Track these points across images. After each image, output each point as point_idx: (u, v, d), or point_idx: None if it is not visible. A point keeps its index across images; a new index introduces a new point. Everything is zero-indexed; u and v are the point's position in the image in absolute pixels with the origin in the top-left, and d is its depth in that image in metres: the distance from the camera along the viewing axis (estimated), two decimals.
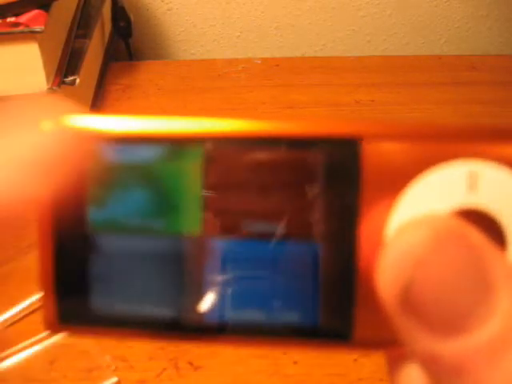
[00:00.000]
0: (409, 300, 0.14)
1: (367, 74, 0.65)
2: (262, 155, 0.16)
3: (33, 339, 0.39)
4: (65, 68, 0.53)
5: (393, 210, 0.16)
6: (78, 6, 0.60)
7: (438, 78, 0.64)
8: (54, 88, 0.51)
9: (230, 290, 0.17)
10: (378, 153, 0.16)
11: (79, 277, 0.17)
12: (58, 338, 0.40)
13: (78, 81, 0.53)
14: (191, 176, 0.17)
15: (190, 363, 0.39)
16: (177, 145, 0.17)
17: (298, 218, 0.16)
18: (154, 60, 0.72)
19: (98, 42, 0.63)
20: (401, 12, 0.72)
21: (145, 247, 0.17)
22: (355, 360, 0.39)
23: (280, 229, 0.17)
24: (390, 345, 0.17)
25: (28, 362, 0.39)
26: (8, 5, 0.49)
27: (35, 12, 0.50)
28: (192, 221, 0.17)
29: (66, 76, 0.53)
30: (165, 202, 0.17)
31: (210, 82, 0.64)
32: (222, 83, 0.64)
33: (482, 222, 0.15)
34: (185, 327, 0.17)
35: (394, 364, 0.17)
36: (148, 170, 0.17)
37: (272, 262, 0.17)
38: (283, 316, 0.17)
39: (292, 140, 0.16)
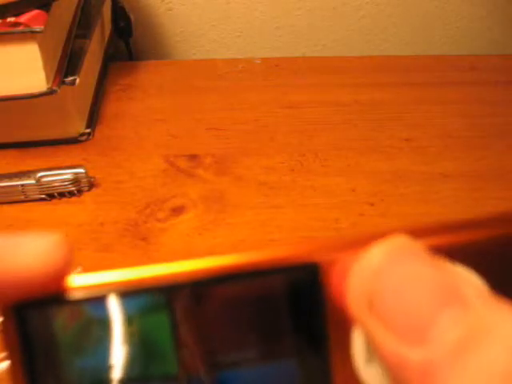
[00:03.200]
0: (373, 309, 0.15)
1: (367, 73, 0.65)
2: (225, 290, 0.17)
3: None
4: (65, 68, 0.53)
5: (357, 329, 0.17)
6: (77, 5, 0.60)
7: (438, 78, 0.64)
8: (54, 88, 0.51)
9: None
10: (335, 270, 0.17)
11: None
12: None
13: (77, 81, 0.53)
14: (160, 323, 0.17)
15: None
16: (140, 295, 0.17)
17: (270, 344, 0.17)
18: (154, 60, 0.72)
19: (97, 42, 0.63)
20: (401, 12, 0.72)
21: None
22: None
23: (255, 357, 0.17)
24: None
25: None
26: (8, 5, 0.49)
27: (35, 12, 0.50)
28: (169, 364, 0.17)
29: (66, 76, 0.53)
30: (139, 351, 0.17)
31: (210, 82, 0.64)
32: (222, 83, 0.64)
33: None
34: None
35: None
36: (114, 324, 0.17)
37: None
38: None
39: (251, 272, 0.17)
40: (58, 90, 0.51)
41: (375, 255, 0.15)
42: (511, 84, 0.63)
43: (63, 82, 0.52)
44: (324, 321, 0.17)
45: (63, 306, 0.17)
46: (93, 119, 0.58)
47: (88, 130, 0.57)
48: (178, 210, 0.50)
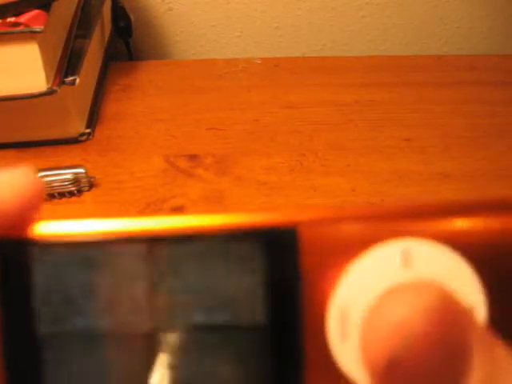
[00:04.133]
0: (392, 370, 0.14)
1: (367, 73, 0.65)
2: (203, 249, 0.17)
3: None
4: (65, 68, 0.53)
5: (334, 292, 0.17)
6: (77, 5, 0.60)
7: (438, 78, 0.64)
8: (54, 88, 0.51)
9: (181, 381, 0.17)
10: (314, 239, 0.17)
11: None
12: None
13: (77, 81, 0.53)
14: (138, 273, 0.17)
15: None
16: (120, 243, 0.17)
17: (242, 308, 0.17)
18: (154, 60, 0.72)
19: (97, 42, 0.63)
20: (401, 12, 0.72)
21: (97, 347, 0.17)
22: None
23: (224, 320, 0.17)
24: None
25: None
26: (8, 5, 0.49)
27: (35, 12, 0.50)
28: (141, 316, 0.17)
29: (66, 76, 0.53)
30: (111, 301, 0.17)
31: (210, 82, 0.64)
32: (222, 83, 0.64)
33: None
34: None
35: None
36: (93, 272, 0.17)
37: (218, 351, 0.17)
38: None
39: (231, 233, 0.17)
40: (58, 90, 0.51)
41: (409, 311, 0.14)
42: (511, 84, 0.63)
43: (63, 82, 0.52)
44: (299, 290, 0.17)
45: (42, 248, 0.17)
46: (93, 119, 0.58)
47: (88, 130, 0.57)
48: (178, 210, 0.50)
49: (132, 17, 0.68)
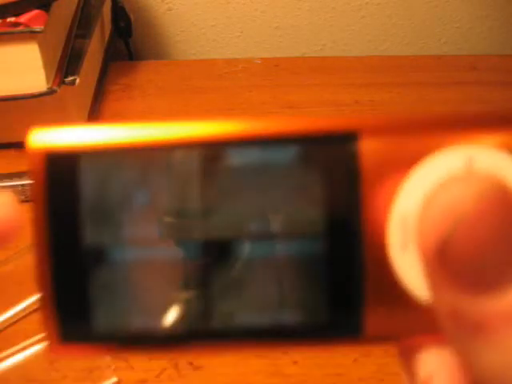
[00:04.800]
0: (444, 254, 0.14)
1: (367, 73, 0.65)
2: (258, 156, 0.16)
3: (33, 339, 0.39)
4: (65, 68, 0.53)
5: (394, 200, 0.16)
6: (78, 5, 0.60)
7: (438, 78, 0.64)
8: (54, 88, 0.51)
9: (235, 293, 0.17)
10: (375, 145, 0.16)
11: (79, 295, 0.17)
12: None
13: (77, 81, 0.53)
14: (185, 178, 0.16)
15: (190, 363, 0.39)
16: (167, 151, 0.16)
17: (301, 216, 0.16)
18: (154, 60, 0.72)
19: (97, 42, 0.63)
20: (401, 12, 0.72)
21: (142, 257, 0.17)
22: (355, 360, 0.39)
23: (283, 228, 0.16)
24: (401, 337, 0.17)
25: (28, 362, 0.39)
26: (8, 5, 0.49)
27: (35, 12, 0.50)
28: (190, 223, 0.16)
29: (66, 76, 0.53)
30: (158, 209, 0.16)
31: (210, 82, 0.64)
32: (222, 83, 0.64)
33: None
34: (188, 336, 0.17)
35: (408, 355, 0.17)
36: (137, 179, 0.16)
37: (277, 261, 0.16)
38: (291, 316, 0.17)
39: (290, 138, 0.16)
40: (58, 90, 0.51)
41: (464, 196, 0.14)
42: (511, 84, 0.63)
43: (63, 82, 0.52)
44: (359, 195, 0.16)
45: (94, 158, 0.16)
46: (93, 119, 0.58)
47: None
48: None
49: (132, 17, 0.68)
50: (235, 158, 0.16)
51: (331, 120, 0.16)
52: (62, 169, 0.16)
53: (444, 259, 0.14)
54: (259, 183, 0.16)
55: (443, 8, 0.72)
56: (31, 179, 0.16)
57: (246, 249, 0.16)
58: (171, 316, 0.17)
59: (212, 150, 0.16)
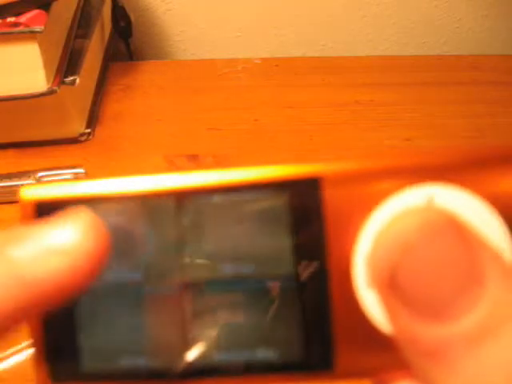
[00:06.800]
0: (395, 283, 0.14)
1: (367, 73, 0.65)
2: (228, 203, 0.17)
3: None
4: (65, 68, 0.53)
5: (357, 240, 0.17)
6: (78, 5, 0.60)
7: (438, 78, 0.64)
8: (54, 88, 0.51)
9: (213, 334, 0.17)
10: (337, 190, 0.17)
11: (68, 337, 0.18)
12: None
13: (77, 81, 0.53)
14: (165, 227, 0.17)
15: None
16: (147, 202, 0.17)
17: (271, 259, 0.17)
18: (154, 60, 0.72)
19: (97, 41, 0.63)
20: (401, 12, 0.72)
21: (127, 299, 0.18)
22: None
23: (255, 270, 0.17)
24: (373, 372, 0.17)
25: (28, 361, 0.39)
26: (8, 5, 0.49)
27: (35, 12, 0.50)
28: (170, 269, 0.17)
29: (66, 76, 0.53)
30: (137, 252, 0.17)
31: (210, 82, 0.64)
32: (222, 83, 0.64)
33: None
34: (174, 374, 0.18)
35: None
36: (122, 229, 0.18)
37: (249, 302, 0.17)
38: (266, 353, 0.17)
39: (256, 186, 0.18)
40: (58, 90, 0.51)
41: (410, 226, 0.14)
42: (511, 84, 0.63)
43: (63, 82, 0.52)
44: (325, 238, 0.17)
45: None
46: (93, 119, 0.58)
47: (88, 130, 0.57)
48: None
49: (132, 17, 0.68)
50: (206, 206, 0.18)
51: (294, 167, 0.18)
52: (49, 216, 0.17)
53: (395, 287, 0.14)
54: (230, 227, 0.17)
55: (443, 8, 0.72)
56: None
57: (218, 287, 0.17)
58: (154, 354, 0.18)
59: (185, 199, 0.18)
